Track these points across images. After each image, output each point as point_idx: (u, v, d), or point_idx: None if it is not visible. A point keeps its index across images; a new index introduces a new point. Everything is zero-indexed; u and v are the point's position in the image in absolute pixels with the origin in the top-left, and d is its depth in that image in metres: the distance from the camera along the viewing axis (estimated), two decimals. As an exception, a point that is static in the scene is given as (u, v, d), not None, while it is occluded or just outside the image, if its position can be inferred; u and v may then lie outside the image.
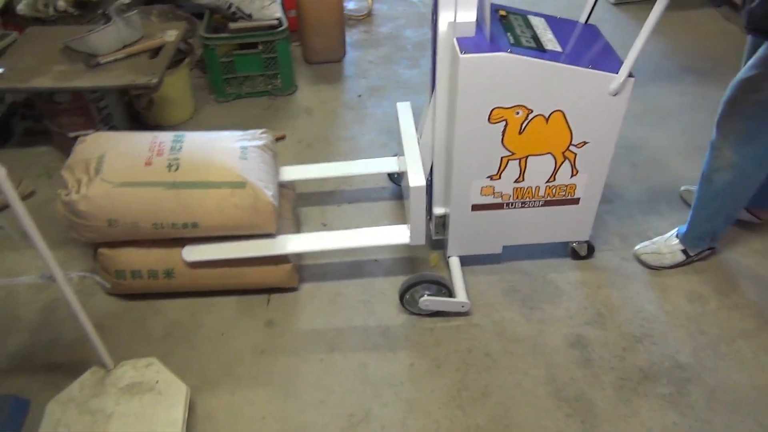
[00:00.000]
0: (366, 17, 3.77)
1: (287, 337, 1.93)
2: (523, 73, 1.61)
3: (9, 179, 1.25)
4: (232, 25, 2.87)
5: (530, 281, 2.08)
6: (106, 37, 2.41)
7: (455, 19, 1.62)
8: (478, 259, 2.14)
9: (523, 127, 1.72)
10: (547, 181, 1.86)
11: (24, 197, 2.49)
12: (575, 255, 2.14)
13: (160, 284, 1.98)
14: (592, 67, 1.62)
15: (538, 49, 1.65)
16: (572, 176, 1.85)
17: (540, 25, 1.79)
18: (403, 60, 3.36)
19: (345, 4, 3.86)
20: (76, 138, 2.53)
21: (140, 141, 1.96)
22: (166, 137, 1.98)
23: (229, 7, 2.90)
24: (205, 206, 1.85)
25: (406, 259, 2.17)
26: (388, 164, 2.30)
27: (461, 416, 1.70)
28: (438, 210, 2.01)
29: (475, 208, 1.91)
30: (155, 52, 2.49)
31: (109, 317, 2.01)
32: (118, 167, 1.86)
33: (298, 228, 2.27)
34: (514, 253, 2.15)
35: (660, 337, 1.90)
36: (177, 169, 1.86)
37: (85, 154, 1.91)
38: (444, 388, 1.77)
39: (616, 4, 3.75)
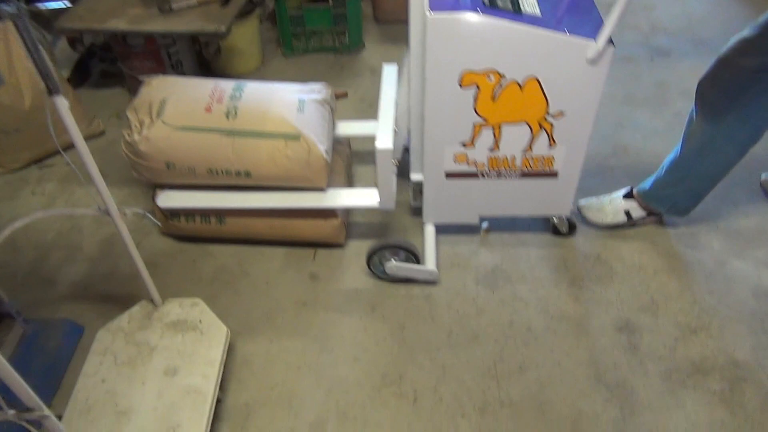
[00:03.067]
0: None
1: (329, 293, 1.94)
2: (494, 37, 1.51)
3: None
4: (304, -22, 2.85)
5: (582, 259, 2.00)
6: (180, -18, 2.45)
7: None
8: (529, 228, 2.08)
9: (496, 93, 1.62)
10: (524, 151, 1.77)
11: (95, 136, 2.60)
12: (556, 231, 2.06)
13: (211, 229, 2.03)
14: (569, 33, 1.50)
15: (514, 12, 1.53)
16: (550, 148, 1.75)
17: None
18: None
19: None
20: (146, 82, 2.63)
21: (202, 87, 1.99)
22: (227, 85, 2.00)
23: (303, -41, 2.88)
24: (259, 155, 1.86)
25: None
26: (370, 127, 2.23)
27: (495, 388, 1.68)
28: (415, 176, 1.95)
29: (449, 175, 1.84)
30: (226, 0, 2.51)
31: (162, 256, 2.09)
32: (179, 111, 1.89)
33: (351, 185, 2.27)
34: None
35: (717, 330, 1.79)
36: (235, 116, 1.88)
37: (150, 96, 1.96)
38: (480, 358, 1.75)
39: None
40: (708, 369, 1.70)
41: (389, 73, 2.07)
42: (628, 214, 2.04)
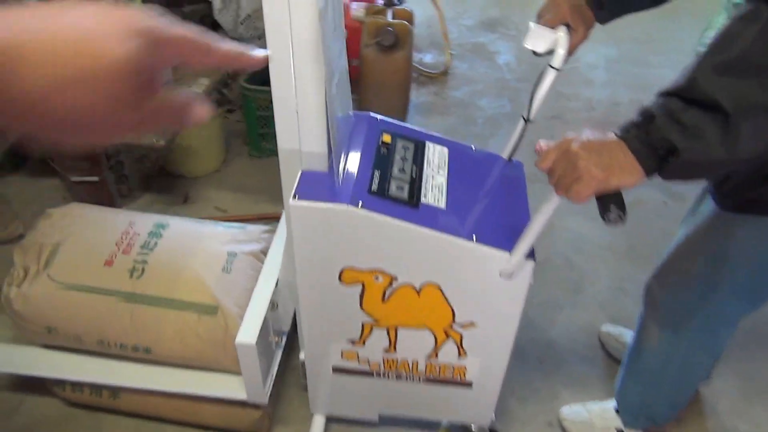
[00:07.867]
0: (440, 76, 3.35)
1: (236, 506, 1.54)
2: (378, 234, 1.15)
3: None
4: (277, 77, 2.52)
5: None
6: (126, 79, 2.12)
7: (300, 146, 1.17)
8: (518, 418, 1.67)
9: (386, 295, 1.25)
10: (428, 357, 1.38)
11: (11, 240, 2.24)
12: None
13: (103, 402, 1.64)
14: (477, 240, 1.14)
15: (409, 203, 1.17)
16: (459, 357, 1.37)
17: (436, 160, 1.30)
18: (470, 136, 2.92)
19: (421, 56, 3.48)
20: (80, 183, 2.29)
21: (113, 227, 1.63)
22: (144, 226, 1.64)
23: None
24: (163, 330, 1.49)
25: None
26: None
27: None
28: (302, 355, 1.56)
29: (337, 370, 1.46)
30: (178, 102, 2.18)
31: (44, 424, 1.69)
32: (72, 262, 1.53)
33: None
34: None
35: None
36: (141, 275, 1.52)
37: (45, 234, 1.60)
38: None
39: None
40: None
41: (282, 228, 1.68)
42: None
